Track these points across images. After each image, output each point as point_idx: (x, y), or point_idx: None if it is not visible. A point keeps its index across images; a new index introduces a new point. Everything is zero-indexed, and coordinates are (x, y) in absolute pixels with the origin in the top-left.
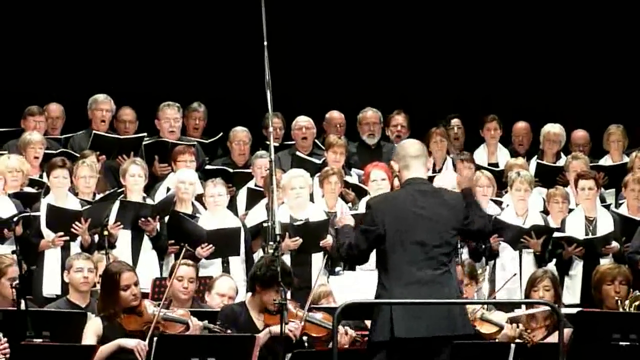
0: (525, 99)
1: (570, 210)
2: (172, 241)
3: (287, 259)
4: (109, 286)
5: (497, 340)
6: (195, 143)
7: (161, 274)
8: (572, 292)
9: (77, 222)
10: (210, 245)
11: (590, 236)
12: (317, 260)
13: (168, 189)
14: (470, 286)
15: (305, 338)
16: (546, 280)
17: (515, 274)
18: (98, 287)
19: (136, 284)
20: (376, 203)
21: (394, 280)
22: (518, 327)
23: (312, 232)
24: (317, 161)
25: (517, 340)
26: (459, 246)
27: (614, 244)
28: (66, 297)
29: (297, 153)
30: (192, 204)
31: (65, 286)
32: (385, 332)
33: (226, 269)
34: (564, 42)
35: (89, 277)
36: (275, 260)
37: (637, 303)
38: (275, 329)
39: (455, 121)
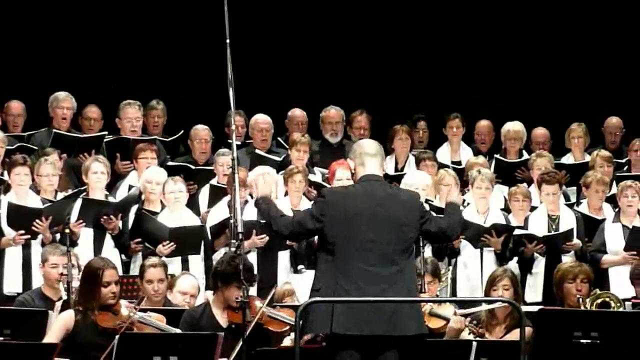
0: (488, 97)
1: (534, 208)
2: (139, 239)
3: (253, 256)
4: (89, 281)
5: (445, 334)
6: (156, 139)
7: (128, 271)
8: (534, 290)
9: (37, 220)
10: (172, 244)
11: (552, 233)
12: (284, 258)
13: (130, 187)
14: (433, 284)
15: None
16: (505, 280)
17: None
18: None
19: (117, 282)
20: (331, 195)
21: (343, 276)
22: (464, 318)
23: None
24: (277, 159)
25: (466, 332)
26: (421, 244)
27: (576, 240)
28: (39, 288)
29: (256, 151)
30: (161, 202)
31: (26, 283)
32: (326, 325)
33: (185, 267)
34: (526, 41)
35: (64, 272)
36: (236, 257)
37: (598, 301)
38: None
39: (421, 124)
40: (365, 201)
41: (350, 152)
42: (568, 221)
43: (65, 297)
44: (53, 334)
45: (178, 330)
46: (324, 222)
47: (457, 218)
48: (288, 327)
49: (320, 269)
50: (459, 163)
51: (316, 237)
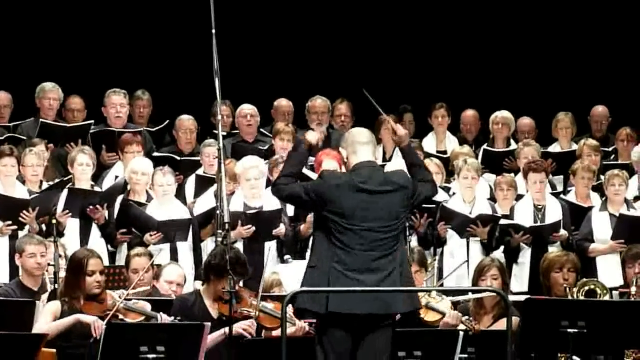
0: (474, 86)
1: (520, 197)
2: (124, 230)
3: (239, 246)
4: (74, 271)
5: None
6: (142, 130)
7: (114, 261)
8: (520, 279)
9: (24, 211)
10: (159, 234)
11: (538, 224)
12: (270, 248)
13: (116, 177)
14: (420, 273)
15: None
16: (494, 269)
17: (466, 261)
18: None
19: (101, 272)
20: (330, 177)
21: (340, 258)
22: (460, 314)
23: (265, 220)
24: (261, 148)
25: (461, 327)
26: (407, 232)
27: (562, 231)
28: (18, 279)
29: (239, 142)
30: (147, 192)
31: (13, 273)
32: (322, 304)
33: (174, 257)
34: (512, 30)
35: (42, 262)
36: (230, 250)
37: (585, 289)
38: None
39: (407, 116)
40: (363, 187)
41: (342, 141)
42: (554, 210)
43: (52, 287)
44: (41, 324)
45: (164, 315)
46: (315, 201)
47: (430, 178)
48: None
49: (317, 247)
50: (445, 152)
51: (303, 226)
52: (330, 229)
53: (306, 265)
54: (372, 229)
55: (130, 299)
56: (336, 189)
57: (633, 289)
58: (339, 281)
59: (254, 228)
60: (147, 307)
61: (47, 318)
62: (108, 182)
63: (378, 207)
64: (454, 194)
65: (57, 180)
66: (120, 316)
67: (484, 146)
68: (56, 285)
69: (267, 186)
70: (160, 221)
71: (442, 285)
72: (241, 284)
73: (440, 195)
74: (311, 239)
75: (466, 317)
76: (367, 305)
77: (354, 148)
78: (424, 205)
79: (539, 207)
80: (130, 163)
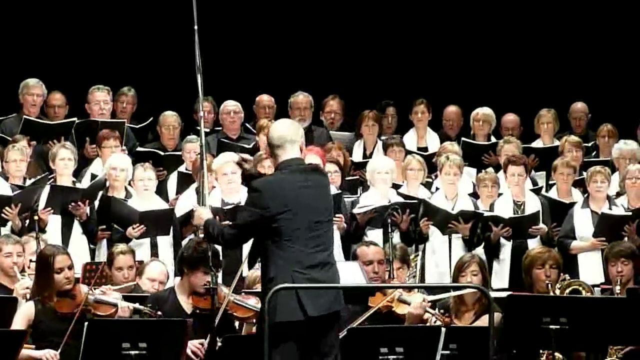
0: (457, 82)
1: (500, 194)
2: (104, 226)
3: None
4: (42, 269)
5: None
6: (125, 122)
7: (93, 258)
8: (500, 276)
9: (7, 207)
10: (142, 226)
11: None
12: (247, 244)
13: (92, 176)
14: (402, 270)
15: (237, 323)
16: (473, 265)
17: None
18: (26, 269)
19: (70, 267)
20: (263, 185)
21: (288, 262)
22: (426, 303)
23: None
24: (246, 145)
25: (428, 318)
26: (389, 230)
27: (541, 224)
28: None
29: (223, 138)
30: (125, 188)
31: None
32: (297, 312)
33: (154, 253)
34: (494, 25)
35: (18, 261)
36: (202, 242)
37: (569, 289)
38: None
39: (389, 110)
40: (295, 186)
41: (268, 137)
42: (533, 207)
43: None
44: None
45: (131, 305)
46: (264, 214)
47: None
48: (253, 314)
49: (270, 258)
50: (425, 149)
51: None
52: (277, 233)
53: (263, 282)
54: (316, 222)
55: (97, 290)
56: (274, 192)
57: (617, 288)
58: (303, 283)
59: (231, 223)
60: (119, 297)
61: (18, 323)
62: (86, 179)
63: (313, 202)
64: (437, 189)
65: (40, 177)
66: (93, 310)
67: (464, 138)
68: None
69: (243, 182)
70: (141, 212)
71: (422, 281)
72: (220, 278)
73: (423, 192)
74: (261, 255)
75: (430, 304)
76: (333, 302)
77: (281, 143)
78: (406, 202)
79: (519, 203)
80: (109, 159)
